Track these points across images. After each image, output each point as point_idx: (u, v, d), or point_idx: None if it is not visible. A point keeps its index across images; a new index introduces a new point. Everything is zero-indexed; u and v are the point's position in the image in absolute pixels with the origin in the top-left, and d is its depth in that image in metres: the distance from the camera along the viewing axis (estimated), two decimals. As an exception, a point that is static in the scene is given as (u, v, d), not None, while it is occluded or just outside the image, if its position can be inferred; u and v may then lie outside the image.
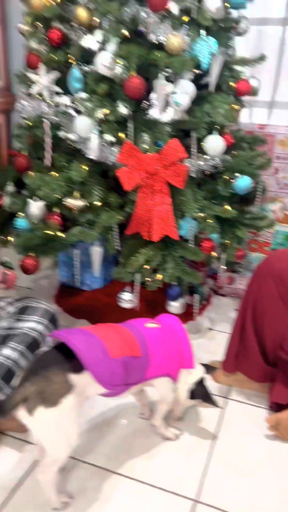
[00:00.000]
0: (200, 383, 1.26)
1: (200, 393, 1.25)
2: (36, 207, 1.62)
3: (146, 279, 1.59)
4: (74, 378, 1.01)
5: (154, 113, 1.52)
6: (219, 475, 1.21)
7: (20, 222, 1.66)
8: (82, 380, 1.02)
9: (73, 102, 1.73)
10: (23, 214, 1.68)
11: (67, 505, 1.09)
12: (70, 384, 0.99)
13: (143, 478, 1.18)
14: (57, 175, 1.60)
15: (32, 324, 1.28)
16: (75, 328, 1.16)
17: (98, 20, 1.47)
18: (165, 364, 1.17)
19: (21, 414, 0.96)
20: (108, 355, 1.04)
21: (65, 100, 1.61)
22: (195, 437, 1.33)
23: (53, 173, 1.61)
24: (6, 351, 1.21)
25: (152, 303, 2.01)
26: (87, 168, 1.55)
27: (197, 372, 1.26)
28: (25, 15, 1.61)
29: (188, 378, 1.24)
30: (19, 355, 1.21)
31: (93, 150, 1.47)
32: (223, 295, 2.19)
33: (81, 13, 1.42)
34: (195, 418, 1.39)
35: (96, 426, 1.34)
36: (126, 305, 1.63)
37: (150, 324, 1.22)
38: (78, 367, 1.01)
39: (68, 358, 1.01)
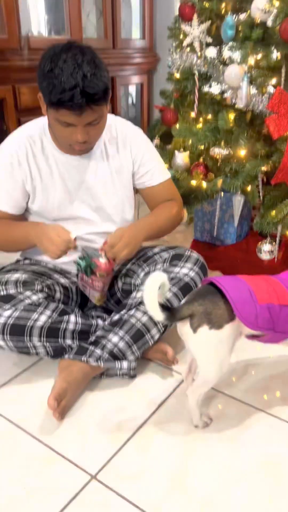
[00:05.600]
0: None
1: None
2: (181, 158, 1.69)
3: (288, 232, 1.58)
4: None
5: (309, 56, 1.46)
6: None
7: (166, 173, 1.76)
8: None
9: (220, 54, 1.76)
10: (168, 166, 1.78)
11: (206, 425, 1.18)
12: (233, 313, 1.05)
13: (280, 415, 1.22)
14: (203, 126, 1.64)
15: (185, 270, 1.37)
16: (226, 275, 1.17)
17: None
18: None
19: (185, 329, 1.05)
20: (254, 299, 1.06)
21: (213, 53, 1.64)
22: None
23: (199, 125, 1.67)
24: None
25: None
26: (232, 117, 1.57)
27: None
28: None
29: None
30: (173, 296, 1.32)
31: (243, 99, 1.48)
32: None
33: None
34: None
35: (241, 364, 1.42)
36: (265, 256, 1.64)
37: None
38: None
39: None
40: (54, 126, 1.24)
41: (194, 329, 1.04)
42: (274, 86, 1.45)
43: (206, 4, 1.55)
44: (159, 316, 1.01)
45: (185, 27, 1.60)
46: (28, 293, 1.30)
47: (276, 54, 1.45)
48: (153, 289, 1.00)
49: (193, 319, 1.04)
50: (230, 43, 1.54)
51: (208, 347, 1.06)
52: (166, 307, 1.03)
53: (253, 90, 1.50)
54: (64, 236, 1.23)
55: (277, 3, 1.37)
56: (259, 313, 1.05)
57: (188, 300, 1.07)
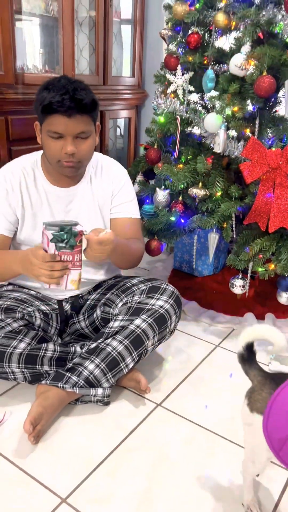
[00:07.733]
0: None
1: None
2: (162, 195, 1.80)
3: (259, 269, 1.68)
4: None
5: (280, 110, 1.60)
6: None
7: (147, 208, 1.86)
8: None
9: (202, 99, 1.89)
10: (149, 201, 1.88)
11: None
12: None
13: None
14: (183, 166, 1.76)
15: (160, 303, 1.45)
16: None
17: (235, 23, 1.58)
18: None
19: None
20: None
21: (196, 98, 1.77)
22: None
23: (180, 165, 1.78)
24: (138, 321, 1.41)
25: (262, 293, 2.09)
26: (211, 161, 1.69)
27: None
28: (167, 21, 1.78)
29: None
30: (148, 326, 1.40)
31: (220, 145, 1.59)
32: None
33: (220, 17, 1.55)
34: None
35: (211, 394, 1.48)
36: (237, 291, 1.73)
37: None
38: None
39: None
40: (45, 143, 1.32)
41: (244, 397, 1.01)
42: (248, 135, 1.57)
43: (190, 58, 1.68)
44: (239, 347, 1.01)
45: (169, 76, 1.73)
46: (9, 320, 1.37)
47: (251, 107, 1.58)
48: (261, 333, 0.99)
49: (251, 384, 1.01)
50: (210, 93, 1.66)
51: (243, 421, 1.02)
52: (251, 350, 1.02)
53: (231, 135, 1.63)
54: (37, 254, 1.18)
55: (252, 62, 1.51)
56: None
57: (263, 370, 1.01)
